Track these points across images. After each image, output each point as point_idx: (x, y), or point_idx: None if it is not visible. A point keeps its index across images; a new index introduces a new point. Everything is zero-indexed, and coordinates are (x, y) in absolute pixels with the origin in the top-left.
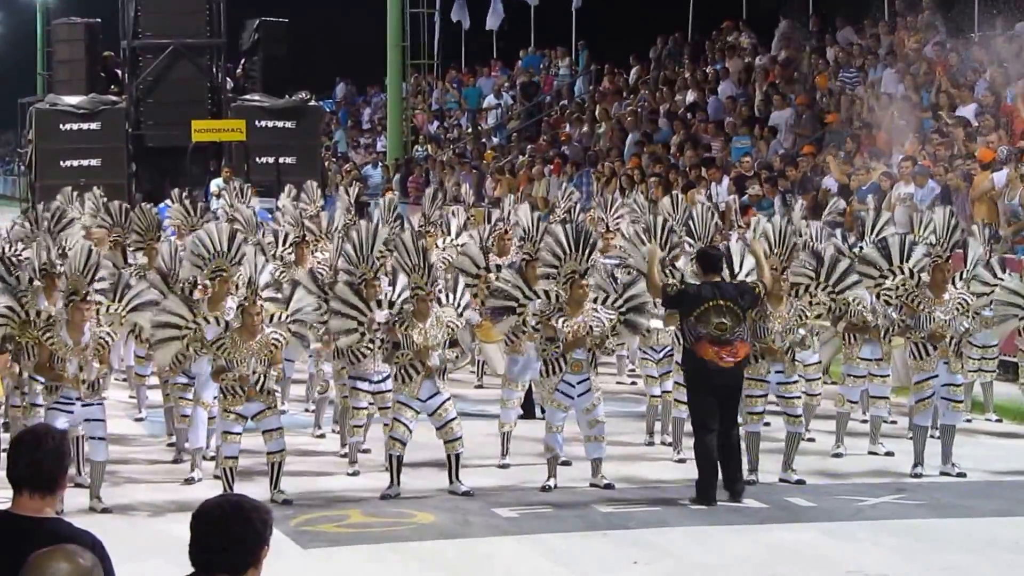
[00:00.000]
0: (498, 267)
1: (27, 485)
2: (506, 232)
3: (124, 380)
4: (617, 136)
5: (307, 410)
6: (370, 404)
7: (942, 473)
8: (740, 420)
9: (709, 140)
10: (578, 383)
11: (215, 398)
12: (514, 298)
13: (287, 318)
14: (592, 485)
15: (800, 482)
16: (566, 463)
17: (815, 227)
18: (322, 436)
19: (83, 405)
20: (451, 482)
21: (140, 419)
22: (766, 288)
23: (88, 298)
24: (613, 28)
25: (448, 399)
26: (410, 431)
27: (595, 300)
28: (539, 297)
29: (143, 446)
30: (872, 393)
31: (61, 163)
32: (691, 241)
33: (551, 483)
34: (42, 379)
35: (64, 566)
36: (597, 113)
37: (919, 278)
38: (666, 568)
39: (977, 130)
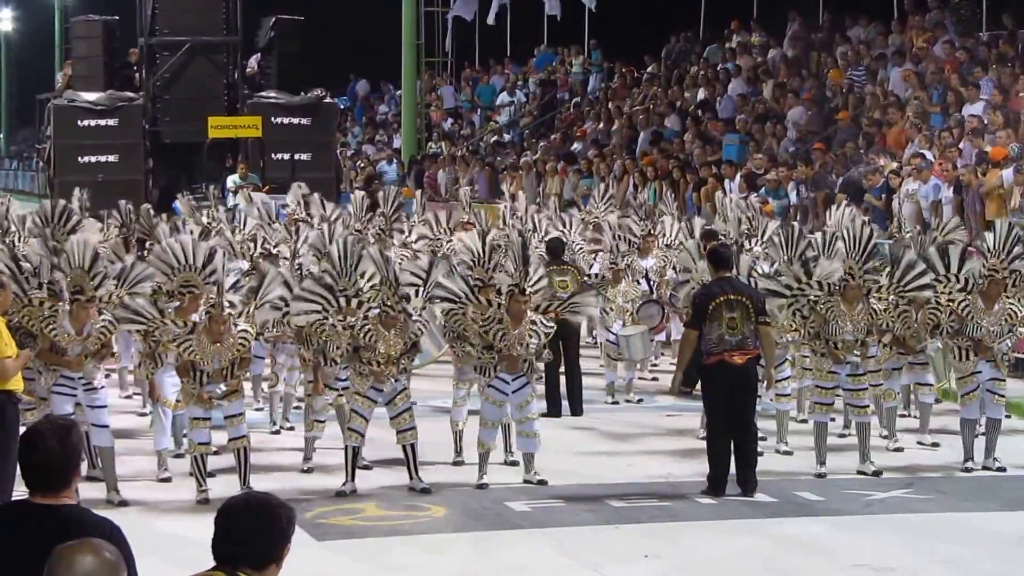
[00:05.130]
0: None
1: (40, 487)
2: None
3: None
4: (629, 133)
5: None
6: (337, 397)
7: (984, 467)
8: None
9: (719, 137)
10: (512, 380)
11: (175, 393)
12: (456, 296)
13: (255, 307)
14: (525, 481)
15: (821, 476)
16: (514, 463)
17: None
18: (277, 432)
19: (85, 389)
20: (411, 478)
21: (144, 414)
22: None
23: (92, 298)
24: (625, 26)
25: (404, 389)
26: (367, 421)
27: (536, 308)
28: (480, 303)
29: (148, 441)
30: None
31: (79, 159)
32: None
33: (484, 480)
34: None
35: (89, 559)
36: (611, 110)
37: (972, 286)
38: (676, 561)
39: (985, 127)
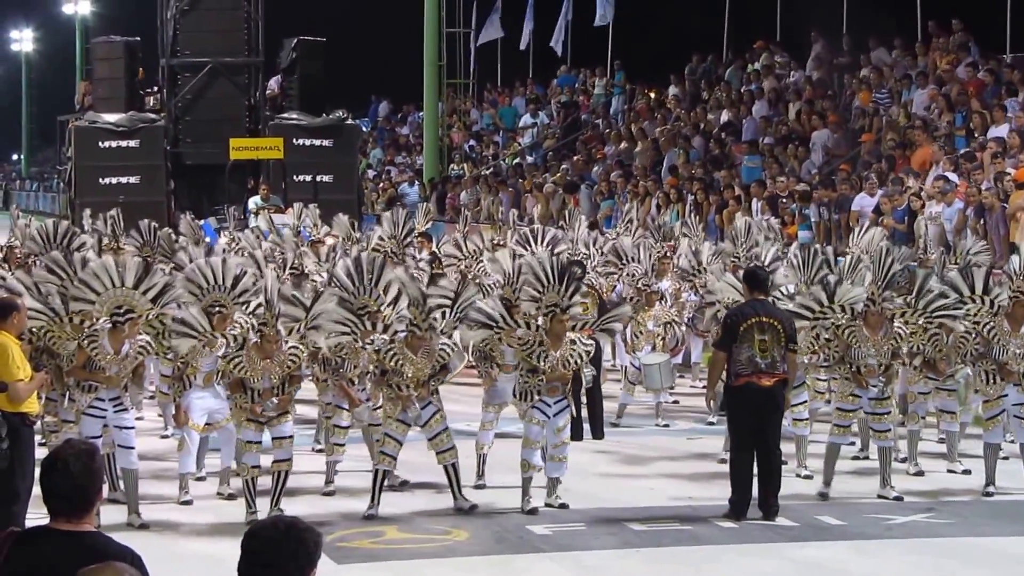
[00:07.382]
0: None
1: (63, 513)
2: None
3: (152, 398)
4: (652, 155)
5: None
6: (354, 422)
7: None
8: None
9: (742, 159)
10: (555, 403)
11: (203, 417)
12: (493, 320)
13: (303, 326)
14: (547, 504)
15: (823, 496)
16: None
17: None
18: (321, 450)
19: (116, 410)
20: (455, 498)
21: (166, 436)
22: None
23: (140, 317)
24: (647, 48)
25: (438, 411)
26: (400, 445)
27: (574, 328)
28: (519, 326)
29: (171, 464)
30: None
31: (100, 180)
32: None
33: (531, 503)
34: (74, 382)
35: None
36: (634, 132)
37: (997, 308)
38: None
39: (1008, 150)
